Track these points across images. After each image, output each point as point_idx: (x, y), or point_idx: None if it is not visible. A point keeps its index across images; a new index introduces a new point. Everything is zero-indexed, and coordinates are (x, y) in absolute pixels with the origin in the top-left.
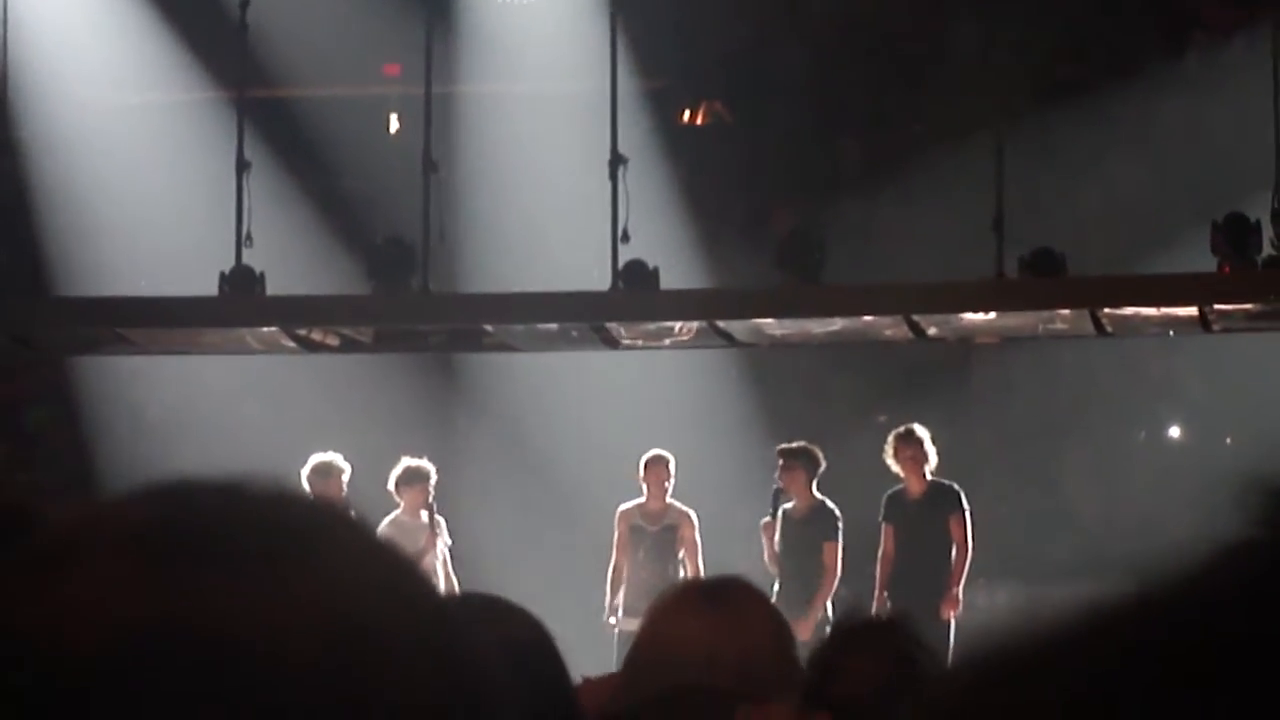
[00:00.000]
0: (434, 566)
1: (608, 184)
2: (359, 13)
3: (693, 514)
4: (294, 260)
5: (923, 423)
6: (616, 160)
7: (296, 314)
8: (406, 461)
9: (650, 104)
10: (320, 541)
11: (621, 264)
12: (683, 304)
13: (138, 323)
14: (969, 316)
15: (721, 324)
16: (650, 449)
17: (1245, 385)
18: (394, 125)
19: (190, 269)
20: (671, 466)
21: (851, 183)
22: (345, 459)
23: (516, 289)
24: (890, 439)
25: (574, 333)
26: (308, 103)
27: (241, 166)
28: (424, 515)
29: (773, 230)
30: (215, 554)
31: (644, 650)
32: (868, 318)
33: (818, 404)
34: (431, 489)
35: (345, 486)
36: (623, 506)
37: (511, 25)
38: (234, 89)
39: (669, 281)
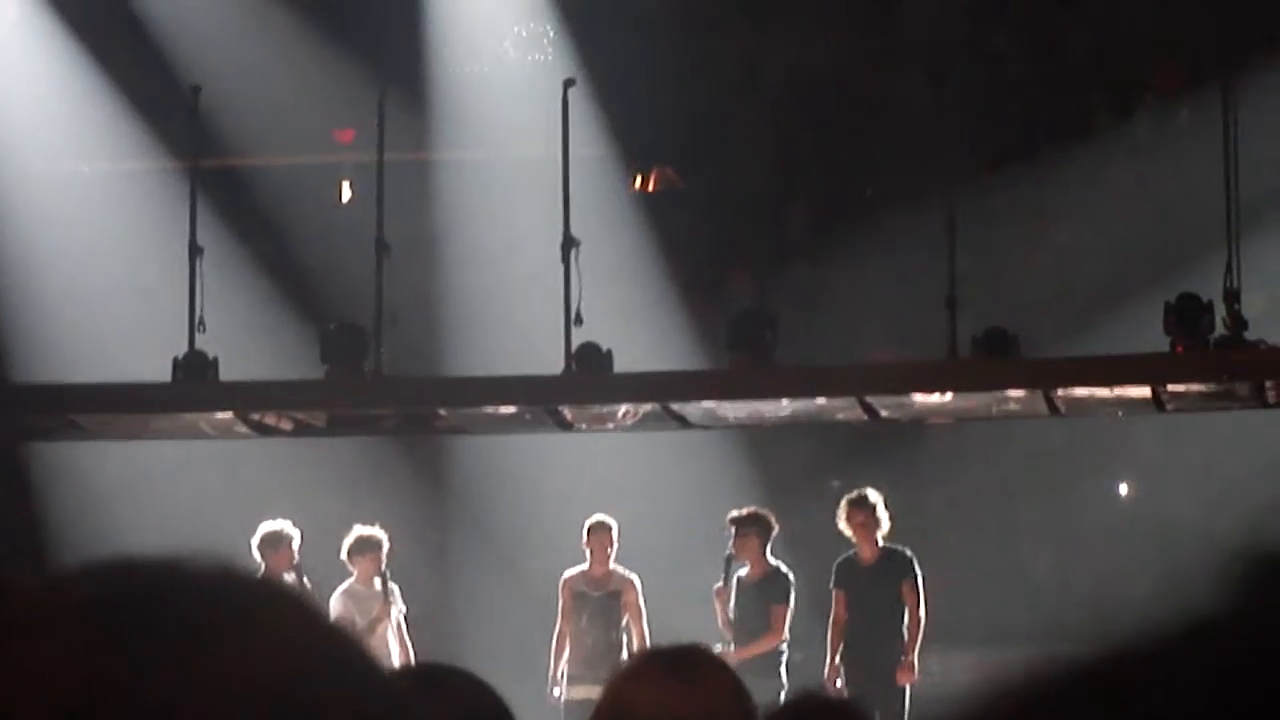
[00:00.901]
0: (388, 635)
1: (559, 262)
2: (310, 78)
3: (636, 579)
4: (247, 343)
5: (875, 486)
6: (569, 243)
7: (249, 399)
8: (359, 530)
9: (604, 170)
10: (261, 616)
11: (575, 346)
12: (636, 387)
13: (90, 409)
14: (922, 399)
15: (675, 406)
16: (594, 515)
17: (1196, 443)
18: (346, 193)
19: (143, 352)
20: (614, 532)
21: (803, 249)
22: (296, 526)
23: (469, 371)
24: (842, 504)
25: (527, 416)
26: (260, 171)
27: (194, 251)
28: (377, 583)
29: (726, 297)
30: (157, 629)
31: (605, 718)
32: (820, 400)
33: (770, 468)
34: (384, 557)
35: (296, 554)
36: (566, 574)
37: (466, 92)
38: (186, 160)
39: (622, 361)
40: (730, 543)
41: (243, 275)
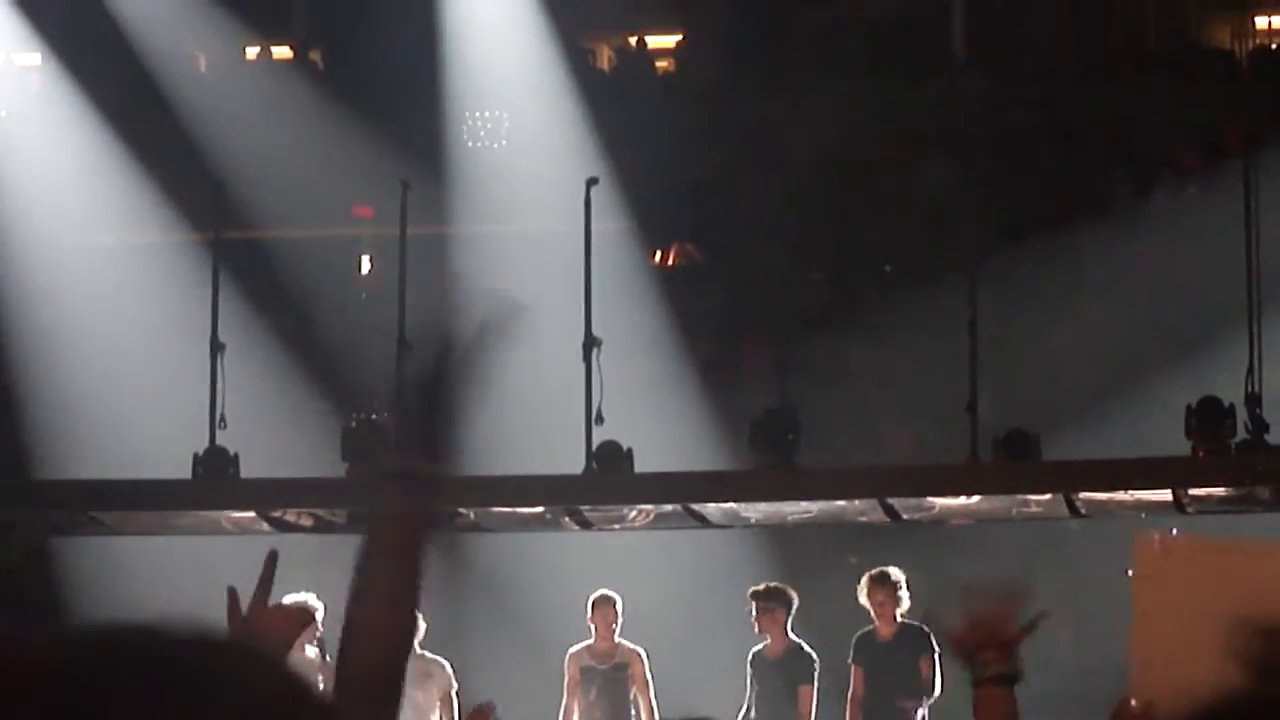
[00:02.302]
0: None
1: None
2: (331, 155)
3: (642, 651)
4: (268, 438)
5: (892, 563)
6: (590, 343)
7: (270, 497)
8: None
9: (624, 244)
10: (234, 680)
11: (595, 445)
12: (657, 487)
13: (112, 506)
14: (943, 501)
15: (696, 506)
16: (597, 590)
17: (1214, 526)
18: (365, 267)
19: (165, 444)
20: (619, 606)
21: (822, 323)
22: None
23: (487, 465)
24: (864, 580)
25: (548, 515)
26: (281, 245)
27: (216, 347)
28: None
29: (745, 373)
30: (130, 696)
31: None
32: (842, 502)
33: (787, 545)
34: (320, 625)
35: (320, 628)
36: (572, 649)
37: (486, 168)
38: (209, 235)
39: (642, 457)
40: (753, 620)
41: (264, 365)
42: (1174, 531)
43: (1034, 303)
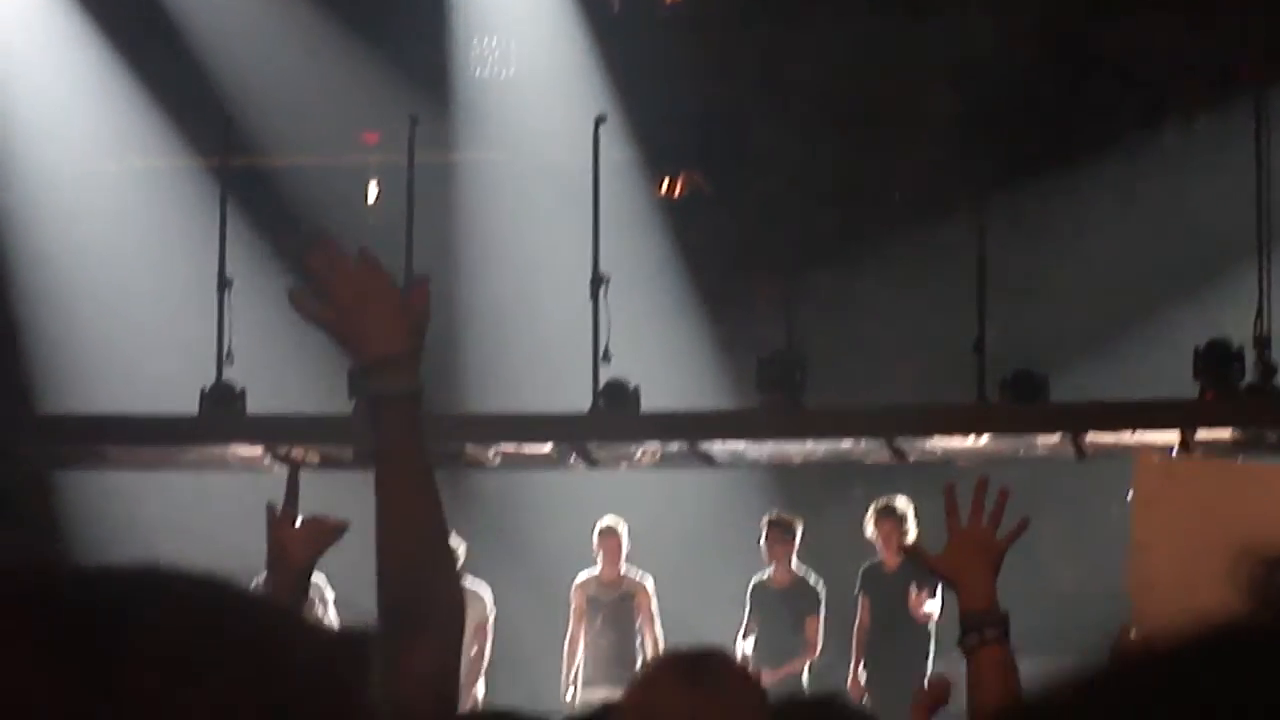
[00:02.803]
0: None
1: (585, 279)
2: (337, 80)
3: (649, 581)
4: (275, 373)
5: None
6: (598, 280)
7: (277, 432)
8: None
9: (631, 174)
10: (245, 635)
11: (602, 382)
12: (664, 425)
13: (117, 440)
14: (949, 443)
15: (702, 446)
16: (603, 518)
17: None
18: (373, 194)
19: (171, 375)
20: (624, 535)
21: (830, 255)
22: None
23: (493, 402)
24: (870, 511)
25: (555, 453)
26: (287, 171)
27: (223, 283)
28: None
29: (752, 304)
30: (126, 646)
31: None
32: (848, 443)
33: (790, 479)
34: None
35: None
36: (578, 578)
37: (493, 96)
38: (214, 161)
39: (650, 392)
40: (762, 543)
41: (272, 299)
42: (1174, 453)
43: (1041, 238)
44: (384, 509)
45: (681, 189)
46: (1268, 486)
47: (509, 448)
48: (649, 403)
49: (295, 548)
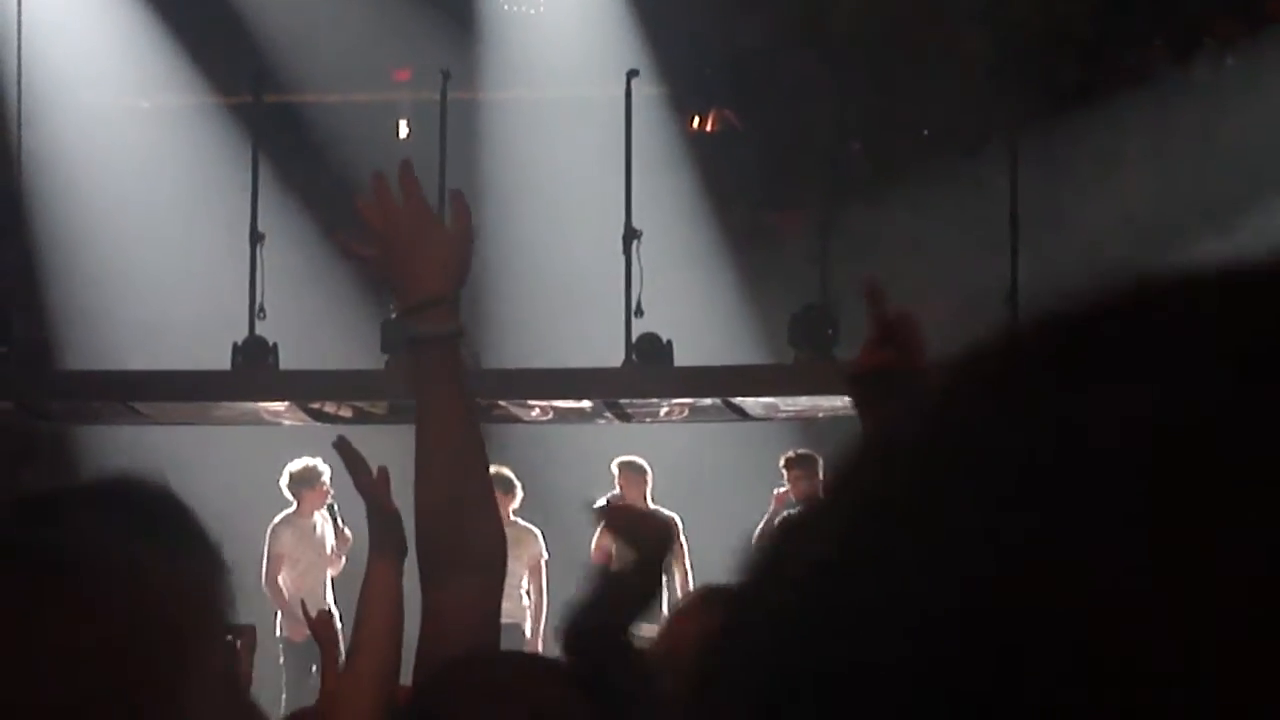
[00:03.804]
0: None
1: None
2: (368, 18)
3: (677, 517)
4: (307, 329)
5: None
6: (630, 234)
7: (309, 388)
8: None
9: (662, 109)
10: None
11: (635, 337)
12: (697, 380)
13: (149, 396)
14: None
15: (735, 400)
16: (622, 456)
17: None
18: (404, 131)
19: (203, 330)
20: (648, 473)
21: (859, 191)
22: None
23: (525, 354)
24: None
25: (588, 409)
26: (317, 110)
27: (255, 237)
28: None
29: (782, 241)
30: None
31: (660, 655)
32: None
33: (824, 427)
34: (329, 490)
35: (330, 492)
36: None
37: (524, 31)
38: (244, 97)
39: (682, 347)
40: (782, 490)
41: (305, 252)
42: None
43: (1073, 174)
44: (425, 448)
45: (713, 125)
46: None
47: (543, 403)
48: (681, 356)
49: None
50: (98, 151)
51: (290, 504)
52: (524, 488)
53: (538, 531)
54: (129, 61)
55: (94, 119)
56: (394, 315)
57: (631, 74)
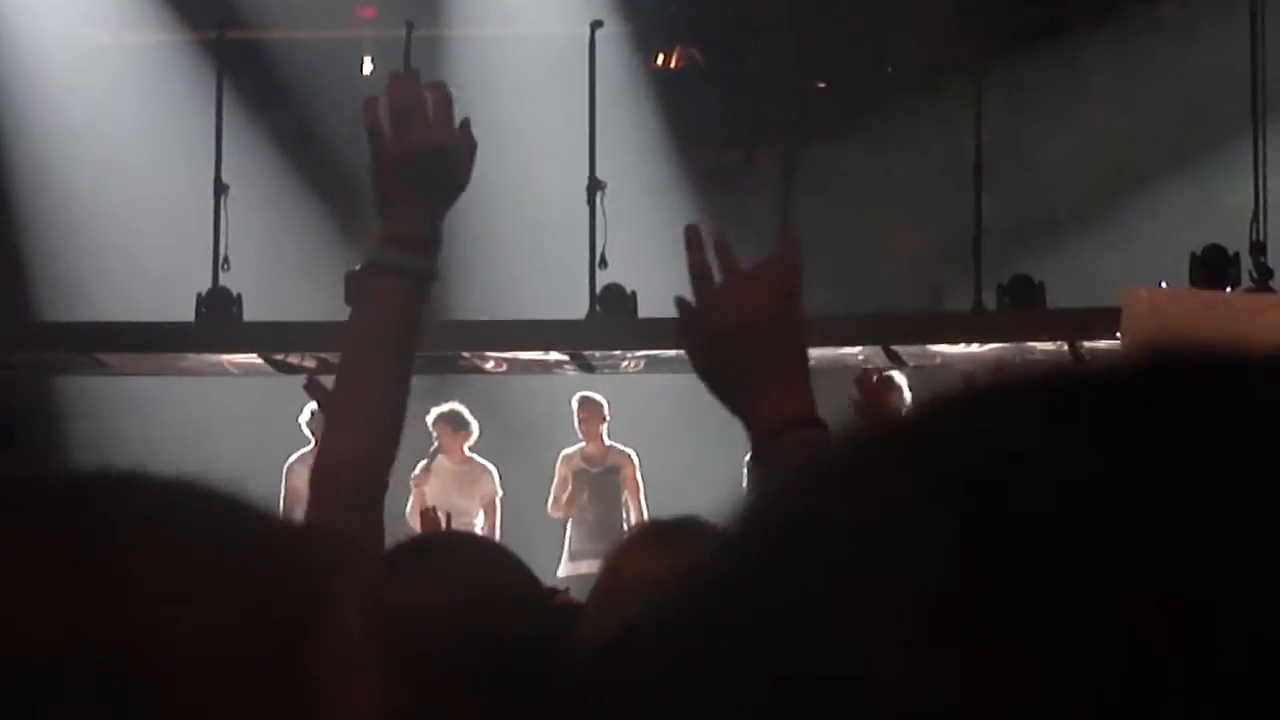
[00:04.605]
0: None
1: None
2: None
3: (633, 454)
4: (271, 280)
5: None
6: (594, 185)
7: (274, 340)
8: (452, 405)
9: (626, 47)
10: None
11: (599, 288)
12: (659, 331)
13: (113, 348)
14: (948, 349)
15: None
16: (580, 392)
17: None
18: (368, 68)
19: (168, 280)
20: (604, 408)
21: (823, 128)
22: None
23: (489, 306)
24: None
25: (552, 360)
26: (281, 46)
27: (219, 189)
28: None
29: (749, 179)
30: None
31: (603, 591)
32: (844, 349)
33: None
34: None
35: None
36: (565, 450)
37: None
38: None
39: (647, 299)
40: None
41: (268, 201)
42: (1163, 285)
43: (1037, 111)
44: (351, 383)
45: (678, 63)
46: (1256, 316)
47: (507, 355)
48: (646, 308)
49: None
50: (57, 90)
51: (308, 442)
52: (481, 426)
53: (493, 469)
54: None
55: (55, 54)
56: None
57: (595, 25)
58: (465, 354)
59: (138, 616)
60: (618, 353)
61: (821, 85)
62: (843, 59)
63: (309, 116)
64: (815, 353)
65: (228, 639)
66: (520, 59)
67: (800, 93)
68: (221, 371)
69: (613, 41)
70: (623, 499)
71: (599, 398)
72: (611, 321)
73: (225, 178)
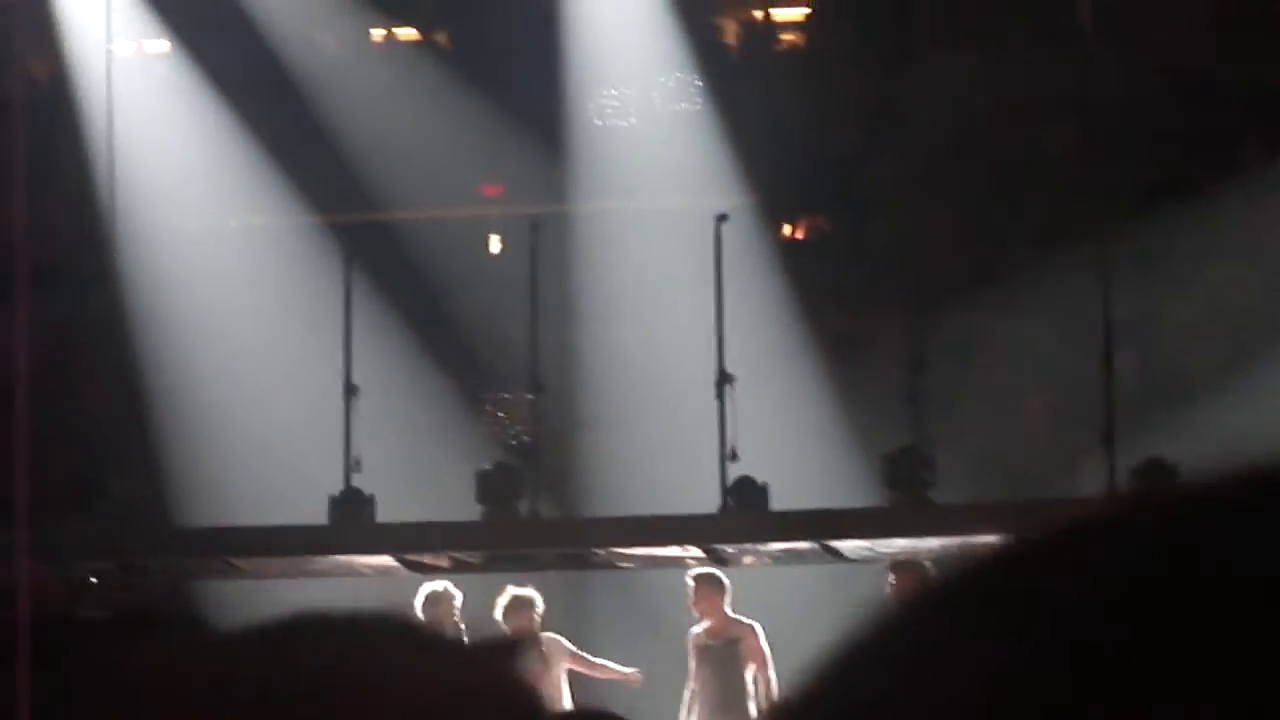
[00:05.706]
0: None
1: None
2: (457, 133)
3: (757, 626)
4: (402, 477)
5: None
6: (723, 379)
7: (406, 541)
8: (512, 590)
9: (752, 218)
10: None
11: (730, 480)
12: (793, 524)
13: (249, 552)
14: None
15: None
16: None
17: None
18: (495, 246)
19: (300, 481)
20: (723, 582)
21: (952, 296)
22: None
23: (620, 500)
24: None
25: (686, 555)
26: (407, 227)
27: (349, 390)
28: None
29: (875, 349)
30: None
31: None
32: (980, 539)
33: None
34: (538, 616)
35: (458, 614)
36: (692, 630)
37: (612, 144)
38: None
39: (779, 491)
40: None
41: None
42: None
43: (1167, 269)
44: None
45: (804, 233)
46: None
47: (641, 551)
48: (777, 498)
49: None
50: (189, 276)
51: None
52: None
53: (559, 638)
54: (219, 181)
55: (185, 240)
56: None
57: (721, 218)
58: (599, 550)
59: None
60: (749, 545)
61: (947, 251)
62: (968, 225)
63: (437, 297)
64: (936, 544)
65: None
66: (647, 233)
67: (927, 260)
68: (354, 573)
69: (738, 214)
70: (747, 671)
71: (714, 572)
72: (743, 514)
73: (355, 378)
